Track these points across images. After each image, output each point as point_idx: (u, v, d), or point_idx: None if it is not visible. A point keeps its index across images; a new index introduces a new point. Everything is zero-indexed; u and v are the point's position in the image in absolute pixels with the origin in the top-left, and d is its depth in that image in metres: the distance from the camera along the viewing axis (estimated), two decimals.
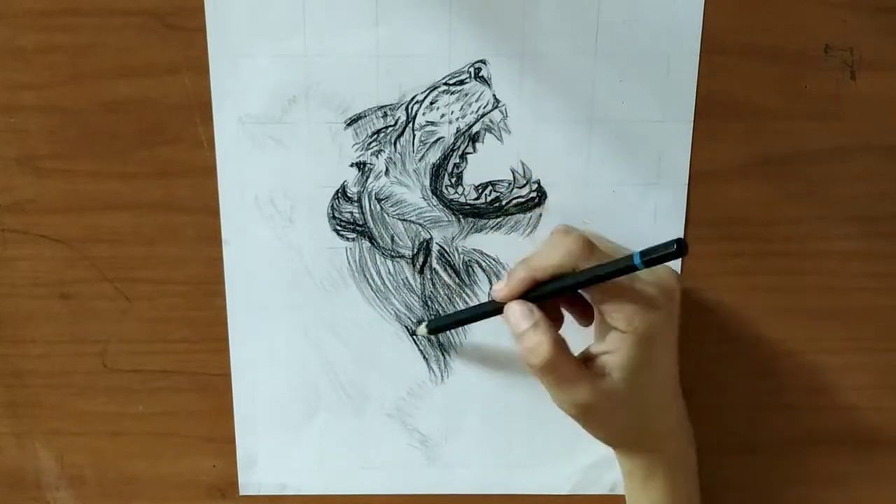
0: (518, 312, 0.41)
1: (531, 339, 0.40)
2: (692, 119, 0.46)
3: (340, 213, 0.47)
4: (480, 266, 0.48)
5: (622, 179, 0.47)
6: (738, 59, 0.45)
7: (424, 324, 0.48)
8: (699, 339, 0.49)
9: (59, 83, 0.45)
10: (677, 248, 0.36)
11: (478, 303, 0.48)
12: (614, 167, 0.46)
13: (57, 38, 0.45)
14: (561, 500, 0.50)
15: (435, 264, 0.48)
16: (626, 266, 0.38)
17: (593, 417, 0.42)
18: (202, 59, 0.45)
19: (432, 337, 0.49)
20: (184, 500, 0.52)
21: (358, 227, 0.48)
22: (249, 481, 0.52)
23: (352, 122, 0.46)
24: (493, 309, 0.44)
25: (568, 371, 0.40)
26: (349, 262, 0.48)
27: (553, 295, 0.41)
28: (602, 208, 0.47)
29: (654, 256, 0.37)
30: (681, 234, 0.47)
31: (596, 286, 0.40)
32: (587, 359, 0.42)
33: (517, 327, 0.41)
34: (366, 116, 0.46)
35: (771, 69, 0.45)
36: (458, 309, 0.48)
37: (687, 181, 0.47)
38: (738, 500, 0.53)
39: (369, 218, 0.47)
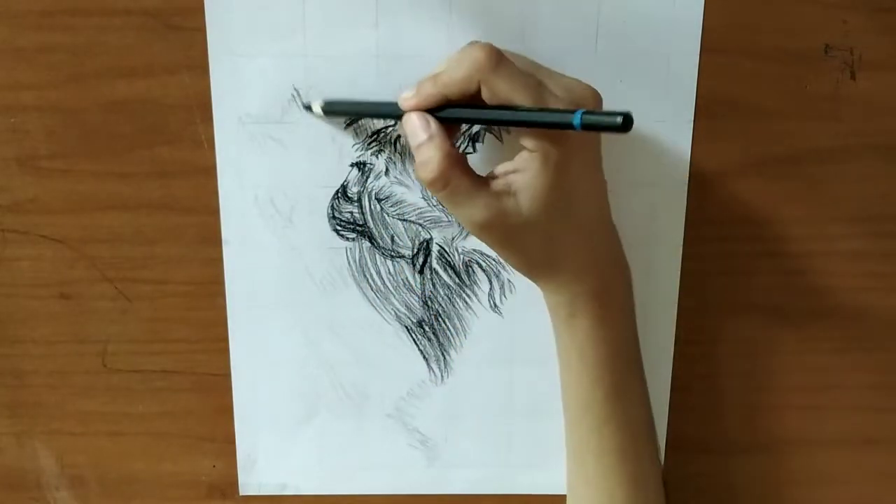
0: (415, 124, 0.39)
1: (424, 152, 0.39)
2: (692, 119, 0.46)
3: (340, 213, 0.47)
4: (480, 266, 0.48)
5: (622, 179, 0.47)
6: (738, 59, 0.45)
7: (321, 102, 0.45)
8: (700, 339, 0.49)
9: (59, 83, 0.45)
10: (623, 123, 0.33)
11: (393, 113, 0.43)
12: (614, 167, 0.46)
13: (57, 38, 0.45)
14: (561, 500, 0.50)
15: (435, 264, 0.48)
16: (559, 121, 0.35)
17: (495, 237, 0.40)
18: (202, 59, 0.45)
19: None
20: (184, 500, 0.52)
21: (358, 227, 0.48)
22: (249, 481, 0.52)
23: (352, 122, 0.46)
24: (394, 112, 0.41)
25: (461, 186, 0.39)
26: (349, 262, 0.48)
27: (467, 121, 0.40)
28: None
29: (594, 122, 0.34)
30: (680, 235, 0.47)
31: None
32: (493, 176, 0.40)
33: (413, 139, 0.39)
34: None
35: (771, 69, 0.45)
36: (458, 313, 0.49)
37: (687, 181, 0.47)
38: (739, 499, 0.53)
39: (369, 218, 0.47)
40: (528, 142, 0.38)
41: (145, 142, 0.46)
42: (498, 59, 0.38)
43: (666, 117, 0.46)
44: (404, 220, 0.47)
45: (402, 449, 0.51)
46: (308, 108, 0.45)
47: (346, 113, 0.45)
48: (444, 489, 0.52)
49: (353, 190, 0.47)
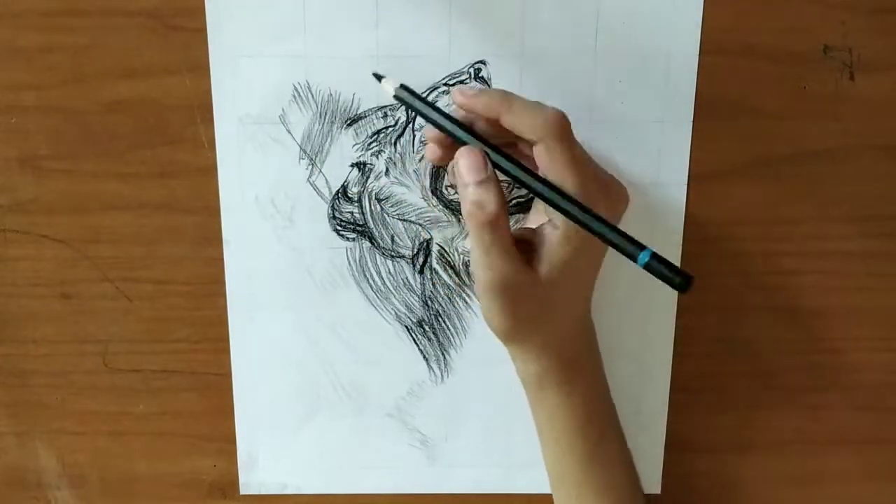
0: (470, 162, 0.39)
1: (482, 192, 0.38)
2: (692, 119, 0.46)
3: (341, 213, 0.47)
4: None
5: (622, 179, 0.46)
6: (738, 59, 0.45)
7: (396, 83, 0.42)
8: (699, 339, 0.49)
9: (60, 84, 0.45)
10: (681, 281, 0.34)
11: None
12: (614, 167, 0.46)
13: (58, 39, 0.45)
14: None
15: (435, 264, 0.48)
16: (625, 250, 0.36)
17: (500, 295, 0.40)
18: (202, 59, 0.45)
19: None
20: (184, 500, 0.52)
21: (358, 228, 0.48)
22: (250, 481, 0.52)
23: (352, 122, 0.46)
24: (453, 132, 0.40)
25: (505, 238, 0.39)
26: (349, 262, 0.48)
27: (510, 175, 0.39)
28: None
29: (657, 270, 0.35)
30: (680, 235, 0.47)
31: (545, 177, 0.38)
32: (518, 238, 0.41)
33: (466, 176, 0.39)
34: (366, 117, 0.46)
35: (771, 69, 0.45)
36: (458, 313, 0.49)
37: (687, 181, 0.47)
38: (738, 499, 0.53)
39: (369, 218, 0.48)
40: (555, 217, 0.39)
41: (146, 142, 0.46)
42: (568, 129, 0.38)
43: (666, 117, 0.46)
44: (404, 220, 0.48)
45: (402, 449, 0.51)
46: (378, 77, 0.42)
47: (411, 107, 0.42)
48: (445, 489, 0.52)
49: (353, 190, 0.47)
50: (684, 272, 0.35)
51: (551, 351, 0.43)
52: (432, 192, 0.47)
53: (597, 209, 0.38)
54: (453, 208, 0.47)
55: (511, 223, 0.46)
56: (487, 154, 0.39)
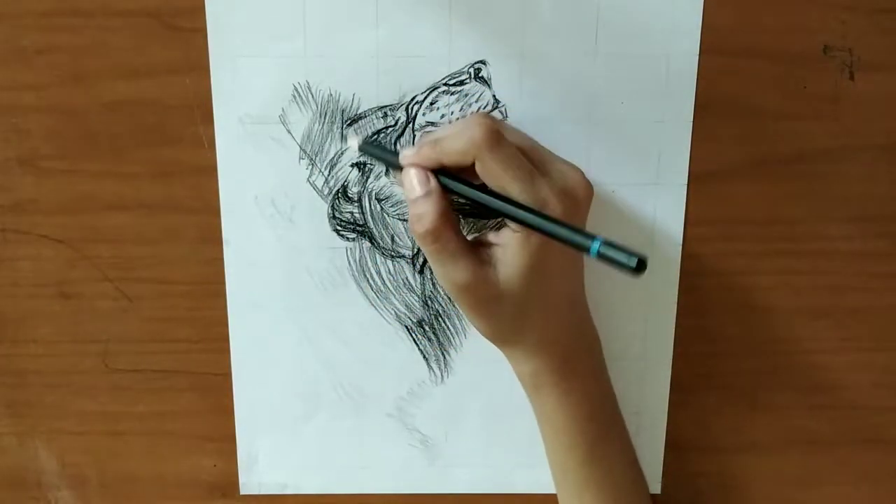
0: (414, 178, 0.40)
1: (420, 206, 0.40)
2: (692, 119, 0.46)
3: (341, 213, 0.47)
4: None
5: (622, 179, 0.47)
6: (738, 59, 0.45)
7: (359, 139, 0.45)
8: (699, 338, 0.49)
9: (60, 84, 0.45)
10: (636, 266, 0.33)
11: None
12: (614, 167, 0.46)
13: (58, 39, 0.45)
14: None
15: None
16: (577, 243, 0.35)
17: (470, 300, 0.41)
18: (202, 59, 0.45)
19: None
20: (184, 500, 0.52)
21: (358, 227, 0.48)
22: (250, 481, 0.52)
23: (352, 122, 0.46)
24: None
25: (450, 245, 0.40)
26: (349, 262, 0.48)
27: (463, 197, 0.40)
28: (602, 208, 0.47)
29: (611, 256, 0.34)
30: (680, 235, 0.48)
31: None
32: (480, 243, 0.42)
33: (411, 192, 0.40)
34: (366, 117, 0.46)
35: (770, 69, 0.45)
36: (458, 313, 0.49)
37: (687, 181, 0.47)
38: (739, 500, 0.53)
39: (369, 218, 0.48)
40: (512, 222, 0.40)
41: (146, 142, 0.46)
42: (495, 140, 0.38)
43: (666, 117, 0.46)
44: (404, 220, 0.48)
45: (402, 448, 0.51)
46: (344, 139, 0.46)
47: (376, 156, 0.46)
48: (445, 488, 0.52)
49: (353, 190, 0.47)
50: (637, 254, 0.33)
51: (542, 352, 0.43)
52: None
53: (547, 206, 0.38)
54: (454, 208, 0.47)
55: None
56: (435, 172, 0.40)
